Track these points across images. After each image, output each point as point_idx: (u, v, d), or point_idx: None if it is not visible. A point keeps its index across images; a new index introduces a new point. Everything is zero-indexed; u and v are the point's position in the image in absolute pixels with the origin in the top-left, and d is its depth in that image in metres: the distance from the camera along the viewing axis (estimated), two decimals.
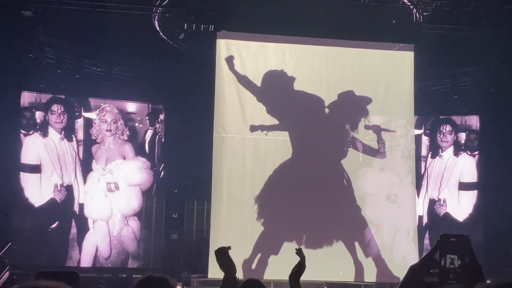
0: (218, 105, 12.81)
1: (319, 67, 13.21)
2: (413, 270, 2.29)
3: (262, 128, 12.69)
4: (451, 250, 2.29)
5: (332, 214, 12.66)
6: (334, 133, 13.14)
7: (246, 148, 12.75)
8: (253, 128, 12.69)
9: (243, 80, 12.74)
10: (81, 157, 13.32)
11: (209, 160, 12.70)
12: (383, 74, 13.35)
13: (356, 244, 12.62)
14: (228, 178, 12.66)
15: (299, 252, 3.80)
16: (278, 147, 12.84)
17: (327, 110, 13.11)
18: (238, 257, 12.00)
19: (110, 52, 12.97)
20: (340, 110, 13.15)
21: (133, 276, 12.16)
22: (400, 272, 11.87)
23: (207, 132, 12.83)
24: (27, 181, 12.85)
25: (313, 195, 12.61)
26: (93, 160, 13.38)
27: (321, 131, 13.02)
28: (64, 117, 13.23)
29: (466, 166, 14.13)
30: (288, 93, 13.11)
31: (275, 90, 13.04)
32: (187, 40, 12.99)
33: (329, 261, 12.36)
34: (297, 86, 13.04)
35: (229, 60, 12.76)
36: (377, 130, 12.95)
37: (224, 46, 12.96)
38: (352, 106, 13.18)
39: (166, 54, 13.15)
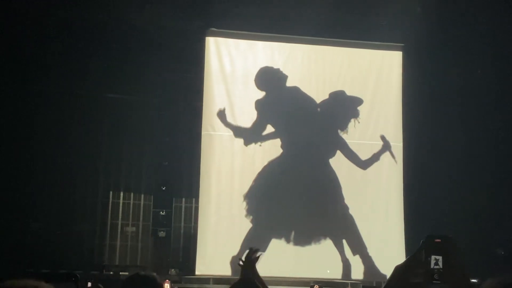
0: (206, 103, 12.83)
1: (308, 65, 13.29)
2: (398, 270, 2.31)
3: (256, 140, 12.70)
4: (436, 251, 2.30)
5: (320, 212, 12.70)
6: (324, 132, 13.19)
7: (235, 146, 12.77)
8: (247, 142, 12.70)
9: (234, 128, 12.73)
10: None
11: (198, 157, 12.72)
12: (371, 74, 13.43)
13: (344, 242, 12.69)
14: (216, 175, 12.68)
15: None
16: (267, 145, 12.87)
17: (318, 109, 13.17)
18: (226, 254, 12.14)
19: (96, 47, 12.89)
20: (330, 110, 13.22)
21: (120, 273, 12.15)
22: (387, 270, 11.93)
23: (196, 129, 12.85)
24: None
25: (302, 193, 12.66)
26: None
27: (310, 129, 13.06)
28: None
29: None
30: (278, 92, 13.15)
31: (266, 89, 13.05)
32: (175, 37, 12.95)
33: (317, 258, 12.43)
34: (287, 85, 13.10)
35: (222, 115, 12.69)
36: (385, 147, 12.99)
37: (213, 44, 13.01)
38: (343, 106, 13.25)
39: (154, 51, 13.11)
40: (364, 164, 13.00)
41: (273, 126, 12.92)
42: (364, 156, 13.06)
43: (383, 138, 13.11)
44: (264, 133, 12.84)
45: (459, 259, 2.29)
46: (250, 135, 12.77)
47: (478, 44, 12.80)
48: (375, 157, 13.04)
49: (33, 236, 12.52)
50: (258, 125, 12.83)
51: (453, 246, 2.29)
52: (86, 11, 11.97)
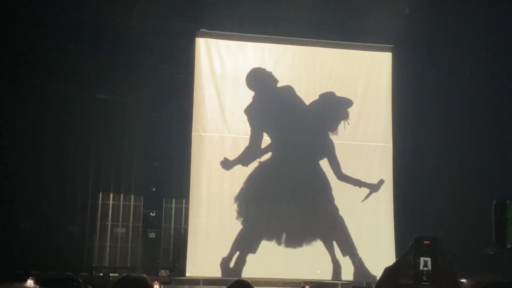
0: (197, 103, 12.82)
1: (299, 66, 13.30)
2: (388, 271, 2.32)
3: (257, 157, 12.67)
4: (425, 253, 2.32)
5: (311, 214, 12.73)
6: (314, 133, 13.21)
7: (226, 147, 12.76)
8: (249, 162, 12.68)
9: (239, 160, 12.71)
10: None
11: (188, 158, 12.69)
12: (361, 75, 13.47)
13: (334, 243, 12.71)
14: (207, 176, 12.67)
15: None
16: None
17: (307, 110, 13.19)
18: (216, 255, 12.14)
19: (85, 48, 12.85)
20: (320, 111, 13.24)
21: (110, 274, 12.12)
22: (377, 271, 11.96)
23: (186, 130, 12.83)
24: None
25: (292, 195, 12.68)
26: None
27: (300, 130, 13.08)
28: None
29: None
30: (269, 92, 13.17)
31: (256, 89, 13.06)
32: (165, 38, 12.93)
33: (307, 259, 12.44)
34: (277, 85, 13.12)
35: (226, 163, 12.67)
36: (371, 186, 13.02)
37: (204, 45, 13.00)
38: (333, 107, 13.27)
39: (144, 52, 13.08)
40: (341, 176, 12.92)
41: (267, 133, 12.90)
42: (354, 159, 13.07)
43: (380, 182, 13.07)
44: (263, 145, 12.82)
45: (448, 261, 2.31)
46: (253, 155, 12.74)
47: (468, 45, 12.86)
48: (355, 182, 12.98)
49: (23, 237, 12.47)
50: (255, 138, 12.78)
51: (442, 247, 2.30)
52: (76, 12, 11.92)
